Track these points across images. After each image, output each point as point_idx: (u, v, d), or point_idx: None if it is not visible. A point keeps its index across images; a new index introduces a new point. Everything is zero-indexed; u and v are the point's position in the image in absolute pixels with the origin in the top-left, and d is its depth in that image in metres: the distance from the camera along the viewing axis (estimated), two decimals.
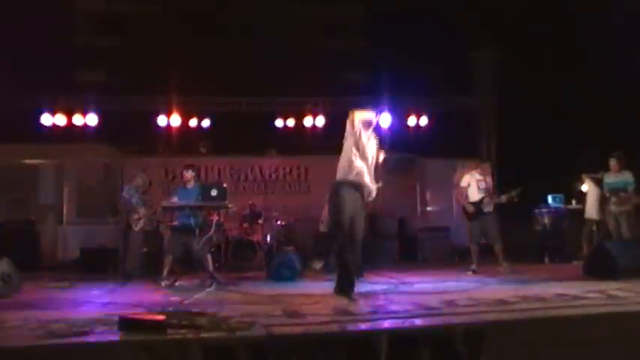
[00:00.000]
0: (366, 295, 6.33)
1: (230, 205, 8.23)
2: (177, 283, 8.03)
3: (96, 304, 5.95)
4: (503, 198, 9.08)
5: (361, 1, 16.15)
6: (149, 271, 9.21)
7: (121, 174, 12.87)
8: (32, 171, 13.21)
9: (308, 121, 14.12)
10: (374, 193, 6.31)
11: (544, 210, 11.86)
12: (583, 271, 7.59)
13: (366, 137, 6.41)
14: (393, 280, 7.94)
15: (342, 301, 5.78)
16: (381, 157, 6.48)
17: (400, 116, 14.15)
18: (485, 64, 14.86)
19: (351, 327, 4.22)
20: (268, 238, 10.86)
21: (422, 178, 14.37)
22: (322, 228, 8.70)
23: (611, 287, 6.05)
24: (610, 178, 9.63)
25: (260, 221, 11.08)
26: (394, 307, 5.18)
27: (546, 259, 11.34)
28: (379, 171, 6.44)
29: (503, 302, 5.27)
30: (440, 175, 14.25)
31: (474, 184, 9.26)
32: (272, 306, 5.47)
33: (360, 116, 6.33)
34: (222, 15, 14.35)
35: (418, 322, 4.40)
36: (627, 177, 9.42)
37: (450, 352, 3.86)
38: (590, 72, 12.54)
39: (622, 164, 9.50)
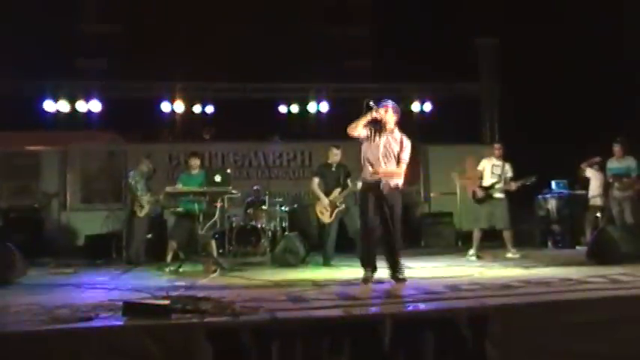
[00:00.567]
0: (370, 280, 6.34)
1: (234, 191, 8.25)
2: (181, 269, 8.05)
3: (100, 290, 5.96)
4: (513, 185, 9.02)
5: None
6: (153, 257, 9.25)
7: (124, 160, 12.89)
8: (35, 158, 13.22)
9: (312, 107, 14.11)
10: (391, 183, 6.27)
11: (548, 195, 11.85)
12: (586, 256, 7.59)
13: (377, 135, 6.42)
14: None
15: (345, 287, 5.80)
16: (405, 147, 6.42)
17: (404, 102, 14.12)
18: (488, 50, 14.81)
19: (355, 312, 4.23)
20: (272, 224, 10.87)
21: (425, 164, 14.35)
22: (326, 219, 8.69)
23: (614, 272, 6.04)
24: (613, 164, 9.61)
25: (264, 207, 11.07)
26: (398, 292, 5.19)
27: (550, 244, 11.35)
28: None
29: (507, 286, 5.27)
30: (443, 161, 14.23)
31: (488, 168, 9.22)
32: (276, 291, 5.49)
33: (364, 121, 6.30)
34: (225, 2, 14.27)
35: (422, 306, 4.41)
36: (630, 162, 9.40)
37: (455, 336, 3.87)
38: (595, 57, 12.46)
39: (625, 149, 9.47)
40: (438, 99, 14.36)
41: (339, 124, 13.72)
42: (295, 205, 11.85)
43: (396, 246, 6.28)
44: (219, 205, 8.47)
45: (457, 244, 12.18)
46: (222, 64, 13.95)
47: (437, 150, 14.30)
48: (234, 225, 10.63)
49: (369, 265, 6.28)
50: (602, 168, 10.23)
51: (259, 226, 10.79)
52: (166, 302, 4.06)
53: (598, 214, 10.53)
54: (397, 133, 6.49)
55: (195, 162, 8.89)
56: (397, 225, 6.28)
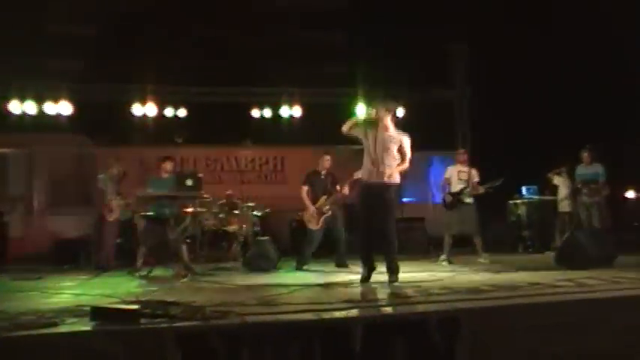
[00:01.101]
0: (342, 284, 6.35)
1: (206, 196, 8.20)
2: (151, 274, 7.97)
3: (67, 295, 5.87)
4: (481, 189, 9.14)
5: None
6: (123, 261, 9.14)
7: (94, 164, 12.72)
8: (1, 160, 12.96)
9: (285, 112, 14.10)
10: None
11: (518, 201, 11.98)
12: (555, 261, 7.68)
13: (372, 135, 6.63)
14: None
15: (317, 291, 5.79)
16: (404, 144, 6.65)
17: (376, 107, 14.16)
18: (461, 56, 14.94)
19: (326, 316, 4.22)
20: (244, 229, 10.83)
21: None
22: (314, 226, 8.71)
23: (582, 276, 6.14)
24: (581, 170, 9.78)
25: (236, 212, 11.02)
26: (369, 296, 5.19)
27: (520, 249, 11.48)
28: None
29: (477, 291, 5.31)
30: (416, 166, 14.29)
31: (455, 175, 9.34)
32: (247, 295, 5.45)
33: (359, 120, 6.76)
34: (198, 4, 14.19)
35: (393, 310, 4.41)
36: (598, 169, 9.59)
37: (425, 340, 3.88)
38: (567, 64, 12.67)
39: (593, 156, 9.65)
40: (411, 104, 14.43)
41: (312, 129, 13.83)
42: (267, 210, 11.81)
43: (390, 247, 6.35)
44: (190, 209, 8.42)
45: (429, 249, 12.24)
46: (195, 68, 13.86)
47: (410, 155, 14.34)
48: (205, 229, 10.57)
49: (367, 264, 6.40)
50: (569, 175, 10.40)
51: (231, 230, 10.76)
52: (136, 307, 4.01)
53: (567, 220, 10.68)
54: (393, 131, 6.64)
55: (168, 166, 8.83)
56: (389, 225, 6.35)
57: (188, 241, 9.03)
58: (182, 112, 13.93)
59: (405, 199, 14.41)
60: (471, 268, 7.94)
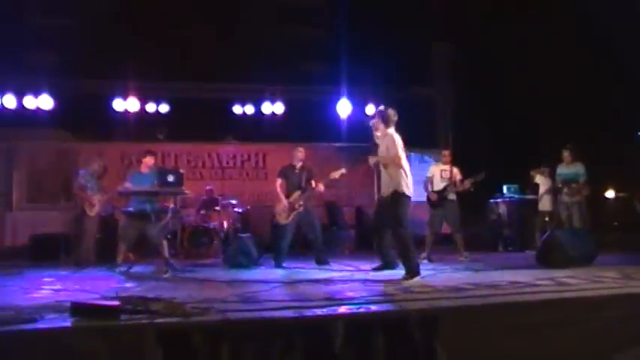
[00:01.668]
0: (323, 281, 6.36)
1: (187, 192, 8.16)
2: (132, 270, 7.92)
3: (47, 291, 5.81)
4: (467, 183, 9.20)
5: None
6: (103, 257, 9.06)
7: (74, 159, 12.59)
8: None
9: (266, 109, 14.08)
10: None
11: (499, 200, 12.06)
12: (536, 260, 7.75)
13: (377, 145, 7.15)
14: (349, 268, 7.97)
15: (298, 288, 5.80)
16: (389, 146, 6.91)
17: (358, 105, 14.22)
18: (443, 54, 15.00)
19: (307, 313, 4.22)
20: (225, 225, 10.80)
21: (379, 167, 14.42)
22: (282, 220, 8.67)
23: (562, 275, 6.20)
24: (562, 169, 9.86)
25: (217, 208, 11.00)
26: (350, 294, 5.20)
27: (500, 248, 11.57)
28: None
29: (457, 289, 5.34)
30: None
31: (437, 173, 9.41)
32: (228, 292, 5.44)
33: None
34: (182, 0, 14.13)
35: (374, 307, 4.42)
36: (579, 168, 9.67)
37: (405, 337, 3.90)
38: (549, 62, 12.78)
39: (574, 156, 9.73)
40: (392, 102, 14.44)
41: (293, 126, 13.82)
42: (248, 207, 11.80)
43: (398, 247, 6.69)
44: (171, 205, 8.38)
45: None
46: (177, 63, 13.80)
47: None
48: (186, 225, 10.53)
49: (380, 257, 7.22)
50: (551, 174, 10.48)
51: (212, 227, 10.73)
52: (116, 303, 3.98)
53: (547, 219, 10.77)
54: (387, 136, 6.90)
55: (150, 161, 8.76)
56: (395, 228, 6.66)
57: (168, 237, 8.99)
58: (164, 108, 13.86)
59: None
60: (451, 267, 7.97)
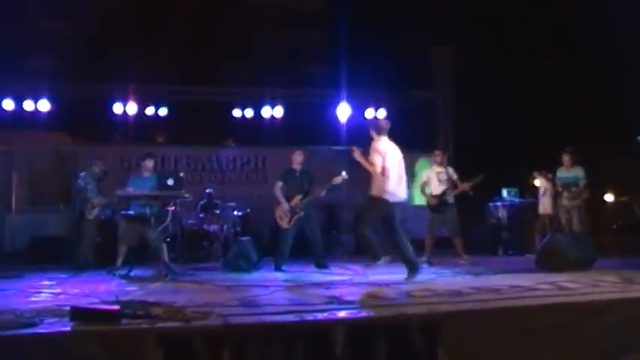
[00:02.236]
0: (323, 285, 6.35)
1: (187, 195, 8.16)
2: (131, 273, 7.90)
3: (46, 295, 5.80)
4: (466, 185, 9.20)
5: None
6: (103, 260, 9.03)
7: (74, 162, 12.57)
8: None
9: (266, 112, 14.07)
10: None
11: (499, 203, 12.05)
12: (536, 264, 7.74)
13: None
14: (349, 272, 7.96)
15: (298, 292, 5.79)
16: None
17: (358, 108, 14.23)
18: (444, 58, 15.01)
19: (307, 317, 4.21)
20: (225, 229, 10.79)
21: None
22: (285, 224, 8.66)
23: (562, 279, 6.19)
24: (562, 173, 9.85)
25: (217, 211, 10.99)
26: (350, 298, 5.19)
27: (500, 252, 11.55)
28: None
29: (458, 293, 5.34)
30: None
31: (434, 177, 9.39)
32: (228, 296, 5.43)
33: None
34: (179, 3, 14.13)
35: (374, 312, 4.42)
36: (579, 172, 9.65)
37: (406, 342, 3.89)
38: (550, 66, 12.79)
39: (574, 159, 9.71)
40: (393, 106, 14.47)
41: (293, 129, 13.82)
42: (248, 210, 11.78)
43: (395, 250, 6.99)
44: (171, 208, 8.37)
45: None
46: (177, 67, 13.80)
47: None
48: (186, 229, 10.52)
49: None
50: (551, 178, 10.48)
51: (212, 230, 10.72)
52: (116, 307, 3.98)
53: (547, 222, 10.76)
54: (374, 143, 7.27)
55: (150, 164, 8.73)
56: (356, 225, 7.19)
57: (168, 240, 8.99)
58: (163, 112, 13.84)
59: None
60: (451, 270, 7.97)
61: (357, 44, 13.74)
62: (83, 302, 4.73)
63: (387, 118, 14.34)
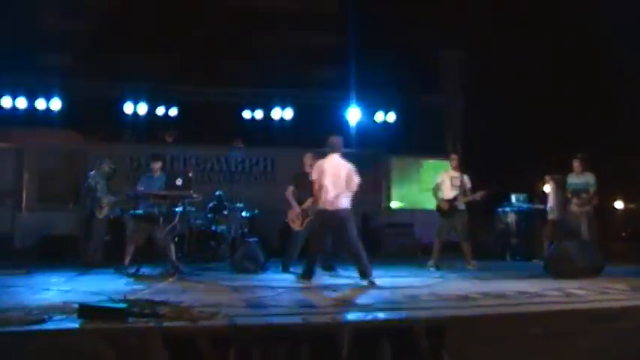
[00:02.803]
0: (329, 288, 6.35)
1: (195, 195, 8.18)
2: (139, 272, 7.93)
3: (55, 292, 5.83)
4: (478, 196, 9.17)
5: None
6: (111, 259, 9.08)
7: (84, 160, 12.64)
8: None
9: (276, 114, 14.09)
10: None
11: (507, 209, 12.02)
12: (543, 270, 7.72)
13: None
14: (355, 275, 7.95)
15: (304, 294, 5.80)
16: None
17: (368, 112, 14.23)
18: (453, 62, 14.99)
19: (313, 319, 4.22)
20: (232, 230, 10.80)
21: (387, 174, 14.44)
22: (296, 227, 8.67)
23: (570, 286, 6.17)
24: (573, 179, 9.78)
25: (225, 212, 11.00)
26: (357, 301, 5.19)
27: (508, 257, 11.52)
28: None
29: (465, 298, 5.33)
30: (406, 172, 14.39)
31: (447, 181, 9.34)
32: (234, 296, 5.45)
33: None
34: (191, 4, 14.19)
35: (380, 315, 4.42)
36: (589, 178, 9.57)
37: (412, 346, 3.89)
38: (560, 72, 12.74)
39: (584, 165, 9.64)
40: (402, 109, 14.47)
41: (302, 131, 13.84)
42: (256, 211, 11.79)
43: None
44: (179, 208, 8.39)
45: (417, 254, 12.24)
46: (187, 67, 13.84)
47: (399, 161, 14.43)
48: (194, 229, 10.54)
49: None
50: (561, 184, 10.43)
51: (219, 231, 10.74)
52: (123, 305, 3.99)
53: (555, 228, 10.71)
54: None
55: (157, 165, 8.75)
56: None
57: (176, 240, 9.01)
58: (173, 112, 13.89)
59: (393, 205, 14.45)
60: (459, 275, 7.96)
61: (367, 47, 13.76)
62: (91, 300, 4.75)
63: (397, 121, 14.38)
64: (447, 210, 9.19)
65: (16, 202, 12.69)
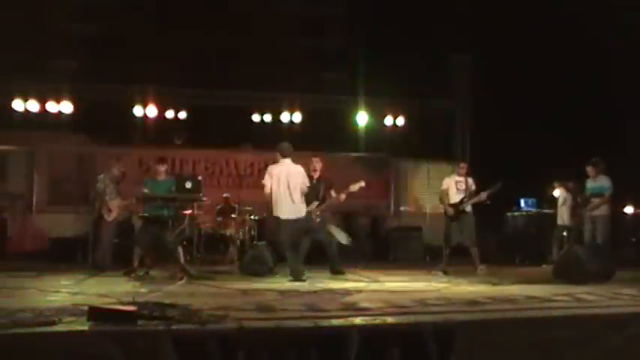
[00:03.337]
0: (338, 292, 6.34)
1: (204, 198, 8.19)
2: (148, 275, 7.95)
3: (64, 294, 5.86)
4: (484, 195, 9.14)
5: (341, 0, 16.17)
6: (120, 262, 9.11)
7: (94, 163, 12.71)
8: (2, 158, 12.97)
9: (285, 117, 14.11)
10: None
11: (516, 213, 11.98)
12: (553, 275, 7.68)
13: None
14: (365, 279, 7.95)
15: (313, 297, 5.79)
16: None
17: (377, 116, 14.22)
18: (463, 66, 14.98)
19: (322, 323, 4.21)
20: (241, 233, 10.82)
21: (396, 177, 14.44)
22: None
23: (580, 291, 6.13)
24: (590, 184, 9.68)
25: (233, 215, 11.02)
26: (366, 305, 5.18)
27: (517, 262, 11.48)
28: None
29: (473, 302, 5.30)
30: (414, 176, 14.38)
31: (453, 185, 9.33)
32: (243, 300, 5.45)
33: None
34: (201, 8, 14.25)
35: (389, 319, 4.41)
36: (604, 182, 9.47)
37: (421, 351, 3.88)
38: (569, 76, 12.70)
39: (597, 170, 9.56)
40: (411, 113, 14.46)
41: (311, 135, 13.86)
42: (265, 215, 11.80)
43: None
44: (188, 211, 8.41)
45: (425, 258, 12.23)
46: (196, 71, 13.89)
47: (408, 164, 14.43)
48: (202, 232, 10.56)
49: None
50: (570, 188, 10.38)
51: (228, 234, 10.76)
52: (133, 308, 4.00)
53: (564, 233, 10.67)
54: None
55: (162, 168, 8.69)
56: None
57: (185, 243, 9.03)
58: (182, 115, 13.94)
59: (402, 208, 14.44)
60: (467, 279, 7.93)
61: (376, 51, 13.77)
62: (100, 302, 4.76)
63: (406, 125, 14.36)
64: (453, 214, 9.18)
65: (26, 204, 12.77)
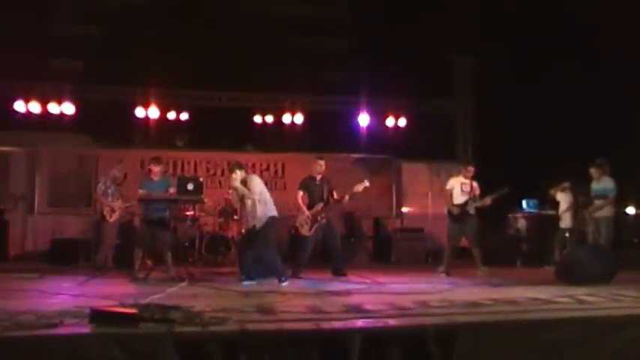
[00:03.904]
0: (340, 293, 6.34)
1: (206, 200, 8.19)
2: (150, 277, 7.95)
3: (66, 296, 5.86)
4: (488, 200, 9.14)
5: (343, 1, 16.16)
6: (122, 263, 9.11)
7: (95, 164, 12.73)
8: (4, 158, 12.98)
9: (286, 119, 14.12)
10: None
11: (518, 214, 11.97)
12: (554, 276, 7.67)
13: None
14: (367, 280, 7.95)
15: (315, 299, 5.79)
16: None
17: (379, 117, 14.23)
18: (464, 67, 14.97)
19: (324, 325, 4.21)
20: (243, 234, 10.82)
21: (398, 179, 14.44)
22: (305, 232, 8.68)
23: (581, 292, 6.12)
24: (594, 185, 9.66)
25: (235, 217, 11.02)
26: (368, 307, 5.18)
27: (519, 263, 11.46)
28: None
29: (475, 304, 5.30)
30: (416, 177, 14.37)
31: (457, 187, 9.33)
32: (245, 302, 5.45)
33: None
34: (202, 9, 14.26)
35: (391, 322, 4.40)
36: (608, 183, 9.45)
37: (422, 353, 3.87)
38: (571, 78, 12.70)
39: (600, 171, 9.54)
40: (413, 114, 14.46)
41: (313, 136, 13.86)
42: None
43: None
44: (190, 213, 8.40)
45: (427, 260, 12.22)
46: (198, 72, 13.90)
47: (410, 165, 14.42)
48: (204, 234, 10.56)
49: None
50: (572, 190, 10.38)
51: (230, 235, 10.76)
52: (134, 310, 4.00)
53: (566, 235, 10.65)
54: None
55: (156, 168, 8.52)
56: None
57: (187, 244, 9.03)
58: (184, 116, 13.96)
59: (404, 210, 14.43)
60: (469, 281, 7.92)
61: (378, 52, 13.76)
62: (102, 304, 4.76)
63: (408, 126, 14.36)
64: (457, 215, 9.18)
65: (28, 205, 12.78)
